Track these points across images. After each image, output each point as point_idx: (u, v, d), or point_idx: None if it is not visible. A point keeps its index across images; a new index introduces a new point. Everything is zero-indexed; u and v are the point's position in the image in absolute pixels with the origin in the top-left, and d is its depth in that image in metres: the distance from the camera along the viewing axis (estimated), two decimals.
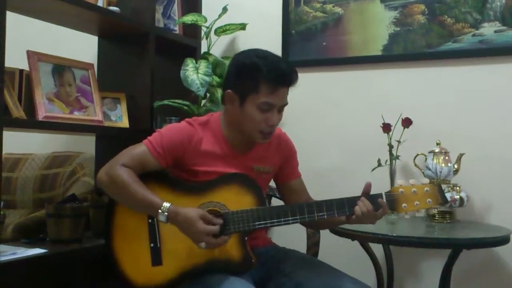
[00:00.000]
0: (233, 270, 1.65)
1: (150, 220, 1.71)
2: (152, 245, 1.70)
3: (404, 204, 1.64)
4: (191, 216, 1.58)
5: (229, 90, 1.73)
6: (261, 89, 1.66)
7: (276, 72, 1.66)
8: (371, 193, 1.67)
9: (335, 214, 1.65)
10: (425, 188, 1.65)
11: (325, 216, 1.65)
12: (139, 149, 1.72)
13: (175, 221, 1.60)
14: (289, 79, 1.70)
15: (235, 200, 1.69)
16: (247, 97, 1.68)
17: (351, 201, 1.65)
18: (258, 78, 1.66)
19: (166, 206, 1.60)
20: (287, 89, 1.72)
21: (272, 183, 1.99)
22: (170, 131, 1.77)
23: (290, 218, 1.66)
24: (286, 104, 1.74)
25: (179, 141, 1.73)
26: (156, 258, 1.69)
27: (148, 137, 1.75)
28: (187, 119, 1.82)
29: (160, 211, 1.60)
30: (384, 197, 1.65)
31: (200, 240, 1.57)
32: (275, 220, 1.66)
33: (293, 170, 1.92)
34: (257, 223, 1.65)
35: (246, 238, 1.69)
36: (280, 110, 1.73)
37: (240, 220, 1.65)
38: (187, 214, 1.59)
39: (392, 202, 1.65)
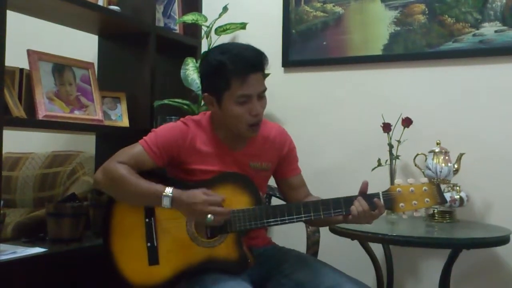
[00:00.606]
0: (229, 270, 1.65)
1: (147, 220, 1.71)
2: (149, 244, 1.70)
3: (401, 204, 1.63)
4: (194, 191, 1.60)
5: (205, 93, 1.74)
6: (232, 84, 1.65)
7: (240, 62, 1.65)
8: (369, 192, 1.66)
9: (332, 214, 1.65)
10: (423, 188, 1.64)
11: (322, 216, 1.65)
12: (135, 149, 1.72)
13: (179, 202, 1.60)
14: (256, 65, 1.68)
15: (231, 199, 1.68)
16: (222, 96, 1.68)
17: (348, 201, 1.64)
18: (226, 74, 1.65)
19: (169, 190, 1.61)
20: (259, 74, 1.69)
21: (271, 183, 1.98)
22: (164, 130, 1.77)
23: (286, 218, 1.65)
24: (264, 89, 1.71)
25: (174, 140, 1.74)
26: (153, 257, 1.69)
27: (144, 137, 1.75)
28: (181, 118, 1.83)
29: (163, 195, 1.60)
30: (381, 197, 1.63)
31: (206, 212, 1.57)
32: (271, 220, 1.66)
33: (292, 166, 1.91)
34: (253, 222, 1.65)
35: (242, 238, 1.69)
36: (260, 97, 1.71)
37: (236, 219, 1.65)
38: (190, 191, 1.61)
39: (389, 201, 1.64)
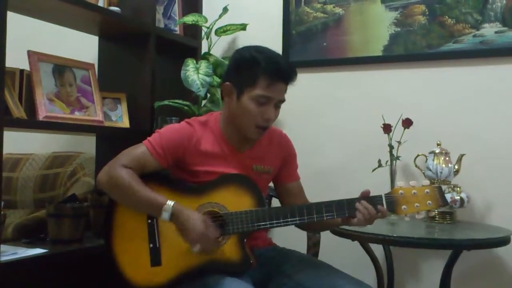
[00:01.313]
0: (232, 271, 1.65)
1: (149, 221, 1.70)
2: (151, 245, 1.69)
3: (404, 206, 1.64)
4: (194, 217, 1.59)
5: (227, 83, 1.75)
6: (259, 83, 1.67)
7: (274, 66, 1.67)
8: (370, 194, 1.66)
9: (334, 216, 1.65)
10: (426, 190, 1.65)
11: (324, 218, 1.65)
12: (139, 150, 1.72)
13: (178, 219, 1.60)
14: (287, 75, 1.71)
15: (234, 201, 1.68)
16: (244, 90, 1.69)
17: (350, 203, 1.65)
18: (256, 71, 1.67)
19: (170, 204, 1.60)
20: (284, 85, 1.72)
21: (271, 183, 1.99)
22: (169, 131, 1.77)
23: (289, 220, 1.66)
24: (283, 100, 1.74)
25: (178, 141, 1.74)
26: (155, 258, 1.69)
27: (148, 138, 1.75)
28: (186, 120, 1.83)
29: (164, 208, 1.60)
30: (383, 199, 1.64)
31: (196, 242, 1.57)
32: (274, 221, 1.66)
33: (292, 172, 1.92)
34: (256, 224, 1.65)
35: (245, 239, 1.69)
36: (277, 106, 1.73)
37: (239, 221, 1.65)
38: (190, 215, 1.60)
39: (392, 204, 1.64)
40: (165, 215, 1.60)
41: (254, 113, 1.69)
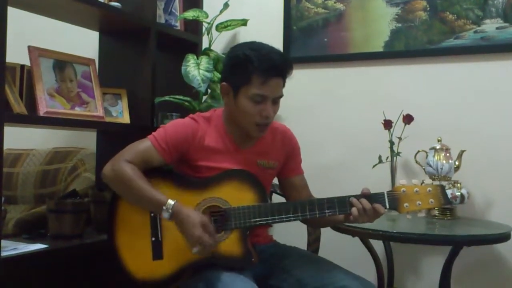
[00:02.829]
0: (233, 266, 1.65)
1: (152, 214, 1.71)
2: (153, 239, 1.70)
3: (406, 204, 1.63)
4: (193, 219, 1.58)
5: (224, 83, 1.75)
6: (253, 81, 1.66)
7: (267, 63, 1.66)
8: (372, 191, 1.66)
9: (336, 212, 1.65)
10: (428, 188, 1.64)
11: (326, 214, 1.65)
12: (144, 145, 1.72)
13: (178, 219, 1.61)
14: (281, 70, 1.69)
15: (236, 196, 1.69)
16: (240, 89, 1.69)
17: (351, 200, 1.64)
18: (250, 69, 1.66)
19: (171, 204, 1.60)
20: (280, 80, 1.71)
21: (274, 180, 1.99)
22: (174, 126, 1.77)
23: (291, 215, 1.66)
24: (280, 96, 1.73)
25: (183, 137, 1.74)
26: (157, 252, 1.69)
27: (153, 133, 1.75)
28: (191, 115, 1.83)
29: (164, 208, 1.60)
30: (386, 196, 1.64)
31: (194, 245, 1.57)
32: (276, 217, 1.66)
33: (296, 166, 1.92)
34: (258, 219, 1.66)
35: (247, 235, 1.69)
36: (275, 102, 1.73)
37: (241, 216, 1.66)
38: (189, 216, 1.59)
39: (394, 201, 1.64)
40: (166, 215, 1.61)
41: (252, 111, 1.69)
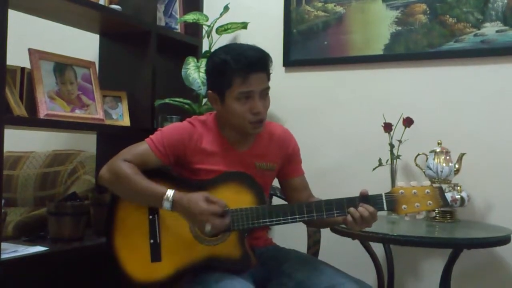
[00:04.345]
0: (232, 268, 1.65)
1: (150, 216, 1.71)
2: (152, 241, 1.70)
3: (404, 206, 1.63)
4: (195, 198, 1.59)
5: (209, 91, 1.77)
6: (234, 82, 1.67)
7: (243, 61, 1.67)
8: (371, 192, 1.65)
9: (334, 215, 1.65)
10: (426, 190, 1.64)
11: (324, 216, 1.65)
12: (141, 147, 1.73)
13: (180, 206, 1.60)
14: (257, 64, 1.70)
15: (235, 198, 1.68)
16: (225, 94, 1.71)
17: (351, 202, 1.64)
18: (229, 72, 1.67)
19: (170, 193, 1.61)
20: (261, 74, 1.71)
21: (273, 182, 1.98)
22: (171, 129, 1.78)
23: (289, 218, 1.65)
24: (267, 88, 1.73)
25: (179, 139, 1.74)
26: (156, 254, 1.69)
27: (150, 136, 1.76)
28: (188, 118, 1.84)
29: (164, 198, 1.61)
30: (384, 198, 1.64)
31: (205, 221, 1.56)
32: (274, 219, 1.66)
33: (296, 167, 1.92)
34: (256, 221, 1.65)
35: (245, 237, 1.69)
36: (263, 96, 1.73)
37: (240, 218, 1.65)
38: (191, 198, 1.60)
39: (392, 203, 1.64)
40: (167, 205, 1.61)
41: (242, 111, 1.70)
